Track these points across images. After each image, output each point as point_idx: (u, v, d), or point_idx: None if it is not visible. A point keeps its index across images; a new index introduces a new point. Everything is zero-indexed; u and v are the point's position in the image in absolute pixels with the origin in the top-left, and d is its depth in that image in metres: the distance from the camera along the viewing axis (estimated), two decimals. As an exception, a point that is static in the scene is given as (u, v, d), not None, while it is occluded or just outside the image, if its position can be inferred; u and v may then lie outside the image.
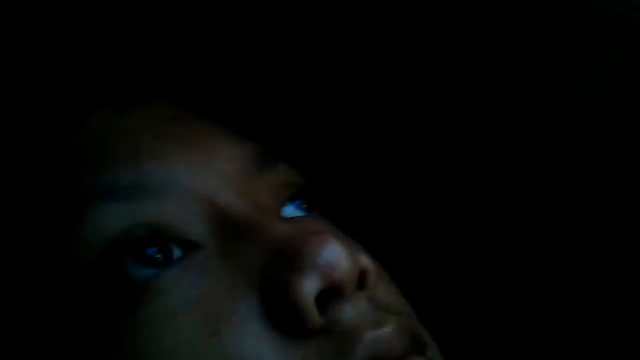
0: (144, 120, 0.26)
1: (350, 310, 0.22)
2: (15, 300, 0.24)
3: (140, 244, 0.23)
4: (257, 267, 0.23)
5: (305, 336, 0.21)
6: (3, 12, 0.28)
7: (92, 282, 0.23)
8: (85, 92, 0.27)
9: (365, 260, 0.23)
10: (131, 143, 0.25)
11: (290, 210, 0.28)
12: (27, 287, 0.24)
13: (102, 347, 0.22)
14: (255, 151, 0.27)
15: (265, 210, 0.25)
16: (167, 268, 0.23)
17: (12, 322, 0.24)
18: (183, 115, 0.28)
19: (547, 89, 0.29)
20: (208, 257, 0.23)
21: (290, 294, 0.21)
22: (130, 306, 0.22)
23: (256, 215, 0.24)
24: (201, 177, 0.25)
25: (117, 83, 0.28)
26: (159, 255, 0.23)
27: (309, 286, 0.21)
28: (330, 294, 0.22)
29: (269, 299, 0.22)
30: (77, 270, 0.23)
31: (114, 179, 0.24)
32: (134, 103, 0.27)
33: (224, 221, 0.24)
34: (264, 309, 0.22)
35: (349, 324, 0.22)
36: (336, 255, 0.21)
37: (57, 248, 0.23)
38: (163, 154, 0.25)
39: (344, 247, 0.22)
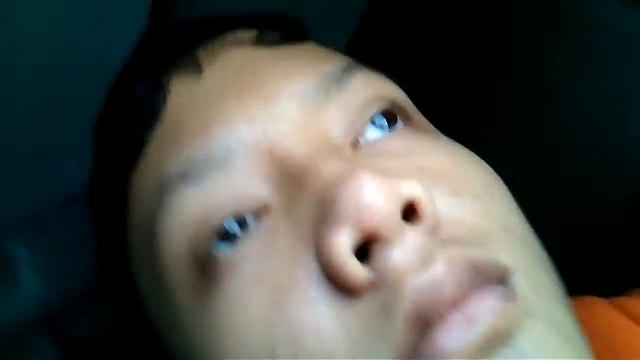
0: (214, 81, 0.26)
1: (396, 255, 0.19)
2: (123, 287, 0.27)
3: (220, 223, 0.22)
4: (308, 222, 0.21)
5: (356, 294, 0.19)
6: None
7: (184, 267, 0.23)
8: (160, 66, 0.27)
9: (410, 188, 0.20)
10: (200, 114, 0.25)
11: (374, 131, 0.25)
12: (131, 276, 0.27)
13: (190, 327, 0.23)
14: (325, 71, 0.25)
15: (333, 144, 0.23)
16: (244, 240, 0.22)
17: (126, 306, 0.28)
18: (252, 58, 0.26)
19: None
20: (275, 219, 0.22)
21: (326, 253, 0.19)
22: (213, 287, 0.22)
23: (312, 158, 0.22)
24: (260, 130, 0.23)
25: (185, 47, 0.27)
26: (238, 230, 0.22)
27: (342, 241, 0.19)
28: (376, 242, 0.19)
29: (319, 260, 0.20)
30: (172, 259, 0.23)
31: (186, 162, 0.23)
32: (204, 62, 0.26)
33: (284, 174, 0.23)
34: (321, 271, 0.20)
35: (393, 272, 0.19)
36: (367, 197, 0.19)
37: (155, 237, 0.24)
38: (226, 118, 0.24)
39: (378, 183, 0.19)
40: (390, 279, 0.19)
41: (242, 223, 0.22)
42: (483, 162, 0.25)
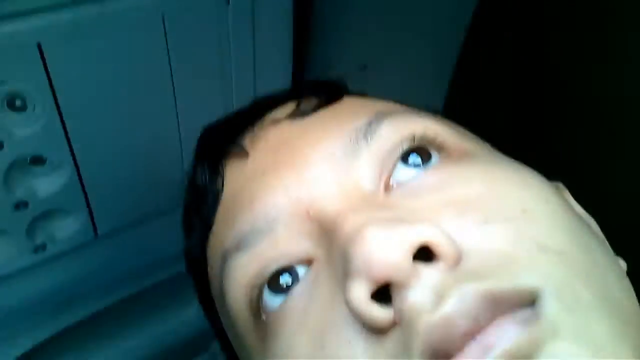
0: (257, 161, 0.29)
1: (413, 295, 0.20)
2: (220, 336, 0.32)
3: (272, 278, 0.26)
4: (339, 273, 0.23)
5: (382, 332, 0.21)
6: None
7: (245, 319, 0.27)
8: (216, 154, 0.31)
9: (424, 234, 0.20)
10: (247, 192, 0.28)
11: (402, 172, 0.26)
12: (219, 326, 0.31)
13: None
14: (353, 128, 0.27)
15: (365, 194, 0.25)
16: (293, 290, 0.25)
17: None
18: (289, 132, 0.29)
19: None
20: (317, 269, 0.24)
21: (347, 303, 0.21)
22: (270, 333, 0.25)
23: (342, 212, 0.23)
24: (295, 197, 0.26)
25: (234, 134, 0.31)
26: (287, 281, 0.25)
27: (358, 292, 0.20)
28: (394, 285, 0.20)
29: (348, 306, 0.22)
30: (237, 312, 0.27)
31: (237, 234, 0.27)
32: (248, 146, 0.30)
33: (321, 229, 0.25)
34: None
35: (409, 311, 0.20)
36: (374, 251, 0.20)
37: (223, 297, 0.28)
38: (266, 192, 0.27)
39: (385, 237, 0.20)
40: (407, 318, 0.20)
41: (291, 275, 0.25)
42: (524, 174, 0.25)
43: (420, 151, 0.26)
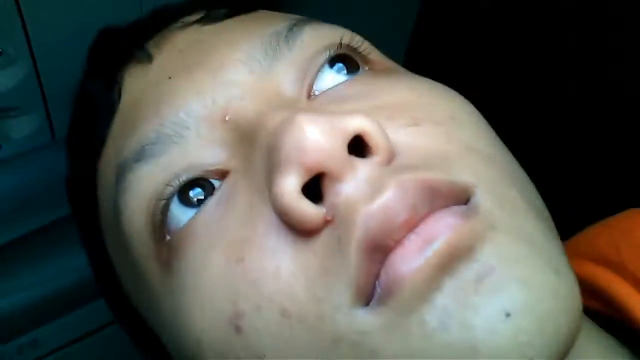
0: (162, 65, 0.26)
1: (348, 188, 0.19)
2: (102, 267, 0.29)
3: (181, 190, 0.23)
4: (263, 174, 0.21)
5: (312, 233, 0.20)
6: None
7: (145, 239, 0.24)
8: (112, 63, 0.28)
9: (358, 123, 0.19)
10: (151, 98, 0.25)
11: (331, 78, 0.25)
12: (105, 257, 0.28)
13: (160, 296, 0.24)
14: (270, 32, 0.25)
15: (286, 100, 0.23)
16: (205, 205, 0.23)
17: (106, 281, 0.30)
18: (198, 36, 0.27)
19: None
20: (235, 179, 0.23)
21: (275, 199, 0.20)
22: (176, 253, 0.23)
23: (263, 114, 0.22)
24: (210, 101, 0.24)
25: (135, 41, 0.28)
26: (198, 195, 0.23)
27: (288, 184, 0.19)
28: (326, 179, 0.19)
29: (274, 207, 0.20)
30: (134, 233, 0.24)
31: (139, 143, 0.24)
32: (154, 49, 0.27)
33: (238, 135, 0.23)
34: (278, 219, 0.20)
35: (345, 205, 0.19)
36: (306, 137, 0.19)
37: (118, 216, 0.25)
38: (176, 95, 0.24)
39: (316, 122, 0.19)
40: (343, 212, 0.19)
41: (201, 188, 0.23)
42: (448, 90, 0.25)
43: (345, 60, 0.25)
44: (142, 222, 0.24)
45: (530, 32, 0.46)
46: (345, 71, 0.25)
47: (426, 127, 0.22)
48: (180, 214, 0.23)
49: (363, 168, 0.19)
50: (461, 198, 0.20)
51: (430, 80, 0.26)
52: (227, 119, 0.23)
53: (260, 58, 0.25)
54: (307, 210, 0.19)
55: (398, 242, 0.18)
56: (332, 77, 0.25)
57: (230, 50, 0.25)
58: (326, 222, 0.19)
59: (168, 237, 0.23)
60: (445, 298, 0.18)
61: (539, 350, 0.17)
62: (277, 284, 0.20)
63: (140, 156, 0.24)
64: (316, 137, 0.19)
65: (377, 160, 0.20)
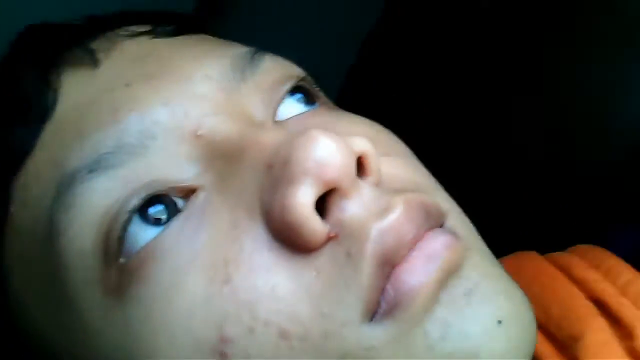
0: (115, 70, 0.24)
1: (354, 206, 0.19)
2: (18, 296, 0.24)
3: (141, 207, 0.21)
4: (253, 191, 0.21)
5: (314, 249, 0.19)
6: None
7: (92, 263, 0.21)
8: (47, 59, 0.25)
9: (360, 144, 0.20)
10: (104, 103, 0.23)
11: (290, 107, 0.25)
12: (31, 279, 0.24)
13: (103, 331, 0.21)
14: (236, 54, 0.25)
15: (255, 121, 0.23)
16: (170, 224, 0.21)
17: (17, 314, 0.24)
18: (152, 47, 0.26)
19: None
20: (207, 198, 0.21)
21: (286, 211, 0.19)
22: (134, 278, 0.21)
23: (244, 133, 0.22)
24: (180, 112, 0.22)
25: (74, 40, 0.26)
26: (164, 214, 0.21)
27: (303, 196, 0.19)
28: (331, 196, 0.20)
29: (272, 223, 0.20)
30: (78, 256, 0.21)
31: (93, 152, 0.22)
32: (100, 54, 0.25)
33: (213, 152, 0.22)
34: (271, 236, 0.20)
35: (354, 221, 0.19)
36: (325, 151, 0.19)
37: (54, 237, 0.22)
38: (138, 103, 0.23)
39: (332, 138, 0.19)
40: (352, 228, 0.19)
41: (166, 207, 0.21)
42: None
43: (303, 92, 0.26)
44: (89, 242, 0.21)
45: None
46: (304, 102, 0.26)
47: (396, 159, 0.23)
48: (139, 233, 0.21)
49: (365, 187, 0.20)
50: (440, 221, 0.21)
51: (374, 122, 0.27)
52: (198, 133, 0.22)
53: (229, 76, 0.24)
54: (317, 226, 0.19)
55: (403, 258, 0.19)
56: (293, 106, 0.25)
57: (198, 64, 0.24)
58: (328, 239, 0.20)
59: (122, 260, 0.21)
60: (443, 311, 0.19)
61: (525, 351, 0.20)
62: (274, 304, 0.19)
63: (95, 167, 0.21)
64: (335, 153, 0.19)
65: (374, 181, 0.21)
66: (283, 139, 0.20)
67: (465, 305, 0.19)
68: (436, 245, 0.19)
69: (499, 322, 0.19)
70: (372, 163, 0.21)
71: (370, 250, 0.19)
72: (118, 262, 0.21)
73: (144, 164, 0.22)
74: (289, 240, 0.20)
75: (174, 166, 0.22)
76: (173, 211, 0.21)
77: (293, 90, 0.25)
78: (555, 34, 0.40)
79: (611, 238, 0.32)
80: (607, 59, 0.37)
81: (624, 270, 0.28)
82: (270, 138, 0.21)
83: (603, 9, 0.37)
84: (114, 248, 0.21)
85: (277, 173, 0.20)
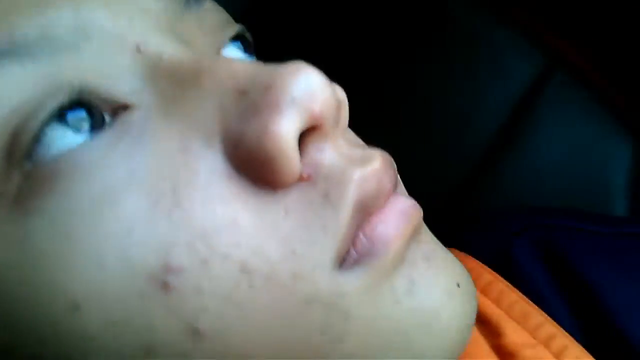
0: None
1: (332, 150, 0.19)
2: None
3: (61, 110, 0.18)
4: (210, 117, 0.19)
5: (284, 186, 0.18)
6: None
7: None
8: None
9: (340, 91, 0.20)
10: None
11: (231, 52, 0.23)
12: None
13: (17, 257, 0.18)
14: None
15: (203, 52, 0.21)
16: (97, 137, 0.18)
17: None
18: None
19: None
20: (146, 118, 0.19)
21: (265, 140, 0.17)
22: (49, 190, 0.17)
23: (199, 59, 0.19)
24: (124, 21, 0.20)
25: None
26: (85, 122, 0.18)
27: (287, 126, 0.17)
28: (309, 136, 0.19)
29: (234, 152, 0.18)
30: None
31: (13, 35, 0.18)
32: None
33: (158, 72, 0.19)
34: (230, 166, 0.18)
35: (334, 164, 0.19)
36: (315, 84, 0.18)
37: None
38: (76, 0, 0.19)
39: (324, 78, 0.18)
40: (332, 171, 0.18)
41: (90, 116, 0.19)
42: None
43: (241, 40, 0.24)
44: None
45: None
46: (242, 50, 0.24)
47: None
48: (57, 138, 0.18)
49: (339, 135, 0.20)
50: (397, 186, 0.21)
51: None
52: (142, 49, 0.19)
53: (169, 4, 0.21)
54: (296, 161, 0.18)
55: (378, 209, 0.19)
56: (234, 53, 0.24)
57: None
58: (300, 179, 0.18)
59: (28, 165, 0.18)
60: (408, 268, 0.19)
61: (474, 317, 0.20)
62: (235, 236, 0.17)
63: (9, 50, 0.18)
64: (325, 88, 0.18)
65: (344, 134, 0.20)
66: (258, 67, 0.19)
67: (426, 268, 0.19)
68: (406, 204, 0.20)
69: (458, 285, 0.20)
70: (346, 114, 0.20)
71: (352, 193, 0.18)
72: (22, 167, 0.18)
73: (73, 64, 0.19)
74: (256, 173, 0.18)
75: (107, 77, 0.19)
76: (98, 123, 0.19)
77: (234, 38, 0.24)
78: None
79: (467, 242, 0.33)
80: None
81: (484, 272, 0.29)
82: (240, 65, 0.19)
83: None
84: (22, 150, 0.18)
85: (255, 99, 0.18)
